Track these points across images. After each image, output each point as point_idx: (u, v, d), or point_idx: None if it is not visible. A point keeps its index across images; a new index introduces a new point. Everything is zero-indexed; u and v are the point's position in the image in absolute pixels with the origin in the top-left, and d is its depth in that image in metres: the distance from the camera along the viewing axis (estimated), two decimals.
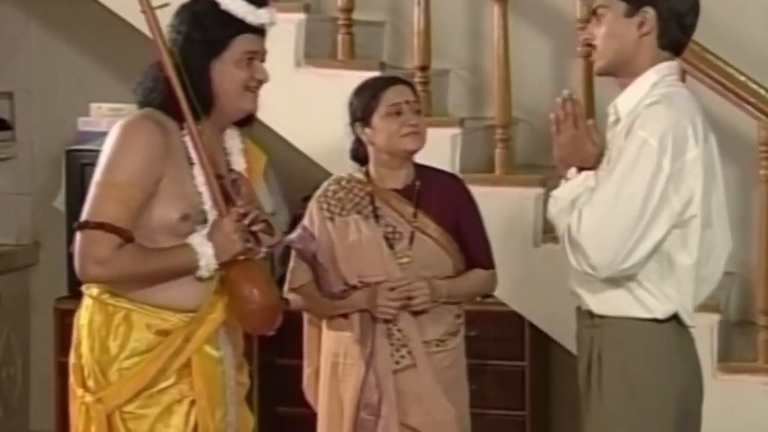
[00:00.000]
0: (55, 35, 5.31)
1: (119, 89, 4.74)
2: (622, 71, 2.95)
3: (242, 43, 2.87)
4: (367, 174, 3.56)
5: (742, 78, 3.98)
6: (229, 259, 2.82)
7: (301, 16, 4.38)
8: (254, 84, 2.89)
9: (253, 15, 2.87)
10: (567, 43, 4.44)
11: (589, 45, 3.02)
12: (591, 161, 2.96)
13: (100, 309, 2.89)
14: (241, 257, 2.83)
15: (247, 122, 3.00)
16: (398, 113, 3.48)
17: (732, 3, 4.47)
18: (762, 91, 3.97)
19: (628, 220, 2.81)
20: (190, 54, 2.84)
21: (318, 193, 3.59)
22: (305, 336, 3.66)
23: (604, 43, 2.96)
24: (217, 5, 2.85)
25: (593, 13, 2.98)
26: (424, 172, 3.56)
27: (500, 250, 3.65)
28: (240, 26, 2.86)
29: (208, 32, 2.85)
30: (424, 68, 4.28)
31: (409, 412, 3.45)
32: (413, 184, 3.54)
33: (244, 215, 2.82)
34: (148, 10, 2.84)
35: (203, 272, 2.81)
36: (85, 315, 2.93)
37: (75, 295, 4.82)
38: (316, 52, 4.39)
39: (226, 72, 2.86)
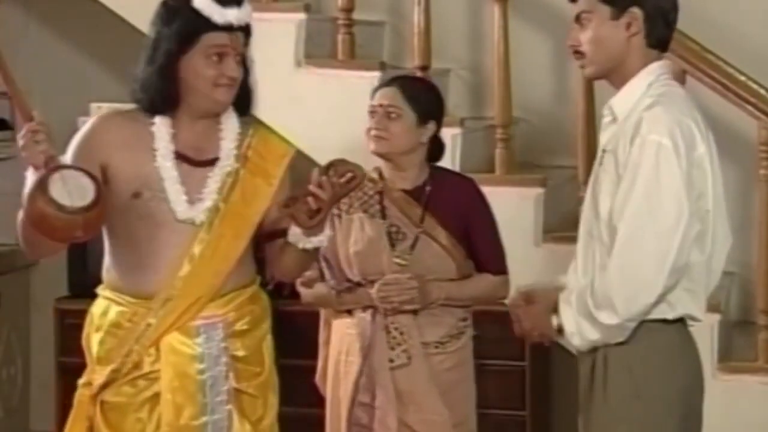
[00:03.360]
0: (55, 35, 5.32)
1: (119, 89, 4.71)
2: (615, 74, 2.94)
3: (210, 39, 2.89)
4: (380, 173, 3.58)
5: (742, 78, 3.98)
6: (34, 166, 2.86)
7: (302, 15, 4.38)
8: (224, 81, 2.91)
9: (218, 14, 2.88)
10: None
11: (577, 52, 2.96)
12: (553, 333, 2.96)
13: (96, 303, 3.01)
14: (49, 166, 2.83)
15: (245, 111, 3.02)
16: (371, 114, 3.53)
17: (732, 3, 4.47)
18: (762, 91, 3.98)
19: (667, 226, 2.79)
20: (158, 49, 2.91)
21: None
22: (321, 329, 3.68)
23: (592, 48, 2.92)
24: (188, 2, 2.89)
25: (576, 19, 2.94)
26: (437, 173, 3.58)
27: None
28: (208, 24, 2.88)
29: (176, 28, 2.90)
30: (424, 68, 4.28)
31: (405, 410, 3.46)
32: (423, 186, 3.55)
33: (35, 131, 2.89)
34: None
35: (30, 178, 2.86)
36: (92, 308, 3.03)
37: (75, 295, 4.86)
38: (316, 52, 4.39)
39: (194, 68, 2.90)
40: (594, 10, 2.91)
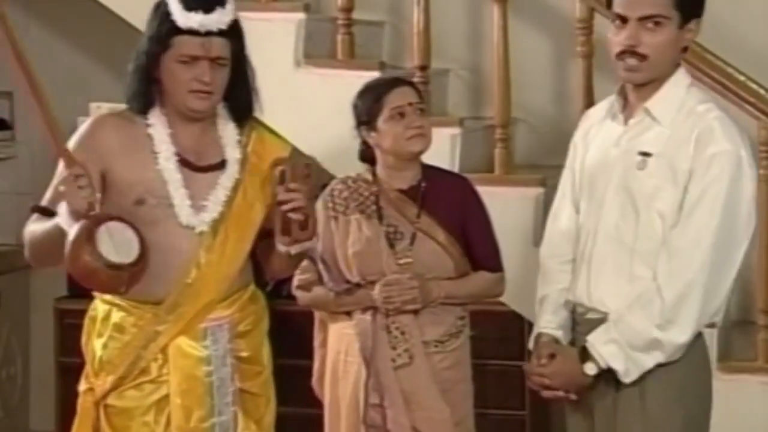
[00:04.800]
0: (55, 35, 5.31)
1: (119, 89, 4.70)
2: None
3: (181, 44, 2.87)
4: (374, 174, 3.57)
5: (742, 78, 3.98)
6: (75, 212, 2.77)
7: (301, 15, 4.38)
8: (196, 86, 2.88)
9: (183, 18, 2.86)
10: (567, 43, 4.43)
11: (636, 53, 2.85)
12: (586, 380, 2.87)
13: (95, 307, 2.98)
14: (91, 213, 2.78)
15: (243, 116, 3.00)
16: (402, 115, 3.48)
17: (732, 3, 4.47)
18: (762, 91, 3.97)
19: (741, 239, 2.81)
20: (140, 48, 2.91)
21: (325, 192, 3.60)
22: (315, 331, 3.67)
23: (659, 53, 2.86)
24: (166, 4, 2.89)
25: (643, 20, 2.84)
26: (431, 172, 3.57)
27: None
28: (177, 27, 2.86)
29: (153, 29, 2.90)
30: (423, 68, 4.28)
31: (409, 409, 3.46)
32: (419, 185, 3.54)
33: (78, 176, 2.79)
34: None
35: (64, 227, 2.79)
36: (90, 312, 3.01)
37: (75, 295, 4.86)
38: (315, 51, 4.39)
39: (169, 71, 2.89)
40: (671, 16, 2.86)
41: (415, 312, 3.48)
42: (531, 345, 3.06)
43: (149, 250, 2.80)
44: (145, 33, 2.92)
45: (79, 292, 3.02)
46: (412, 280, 3.46)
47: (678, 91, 2.89)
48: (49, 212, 2.87)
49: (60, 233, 2.78)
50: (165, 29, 2.86)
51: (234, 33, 2.91)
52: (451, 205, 3.53)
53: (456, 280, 3.53)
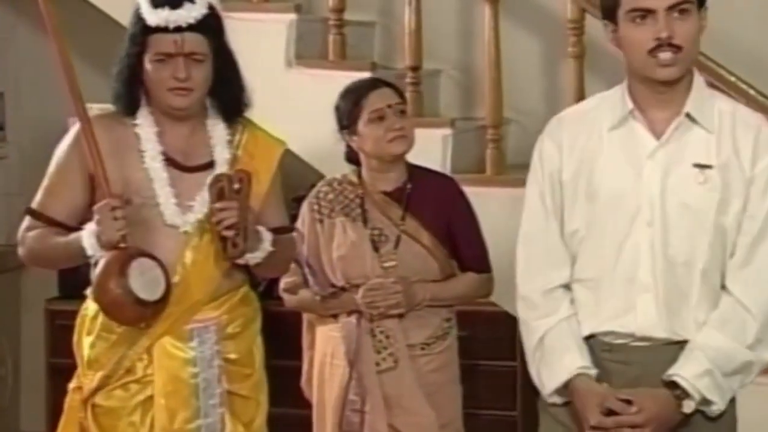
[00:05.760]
0: (45, 36, 5.28)
1: (109, 90, 4.73)
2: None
3: (154, 42, 2.89)
4: (359, 176, 3.56)
5: (732, 78, 3.98)
6: (107, 241, 2.82)
7: (292, 16, 4.38)
8: (173, 84, 2.89)
9: (150, 16, 2.88)
10: (558, 44, 4.43)
11: (673, 45, 2.61)
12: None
13: (87, 305, 3.00)
14: (122, 245, 2.82)
15: (232, 112, 2.99)
16: (381, 118, 3.47)
17: (722, 4, 4.47)
18: (752, 92, 3.98)
19: None
20: (121, 52, 2.93)
21: (311, 194, 3.60)
22: (304, 333, 3.67)
23: (693, 43, 2.64)
24: (139, 5, 2.92)
25: (672, 8, 2.61)
26: (417, 173, 3.56)
27: (491, 251, 3.64)
28: (149, 26, 2.88)
29: (129, 31, 2.93)
30: (415, 68, 4.28)
31: (392, 413, 3.45)
32: (404, 187, 3.53)
33: (115, 208, 2.82)
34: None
35: (88, 251, 2.84)
36: (81, 311, 3.02)
37: (65, 296, 4.85)
38: (307, 52, 4.39)
39: (148, 71, 2.91)
40: (693, 1, 2.64)
41: (400, 315, 3.48)
42: (550, 392, 2.71)
43: (172, 289, 2.85)
44: (125, 36, 2.94)
45: (70, 293, 3.02)
46: (395, 284, 3.44)
47: (707, 92, 2.72)
48: (44, 217, 2.92)
49: (79, 250, 2.84)
50: (138, 29, 2.89)
51: (209, 28, 2.90)
52: (436, 207, 3.52)
53: (441, 283, 3.52)
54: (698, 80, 2.72)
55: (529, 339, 2.76)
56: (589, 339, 2.71)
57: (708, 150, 2.65)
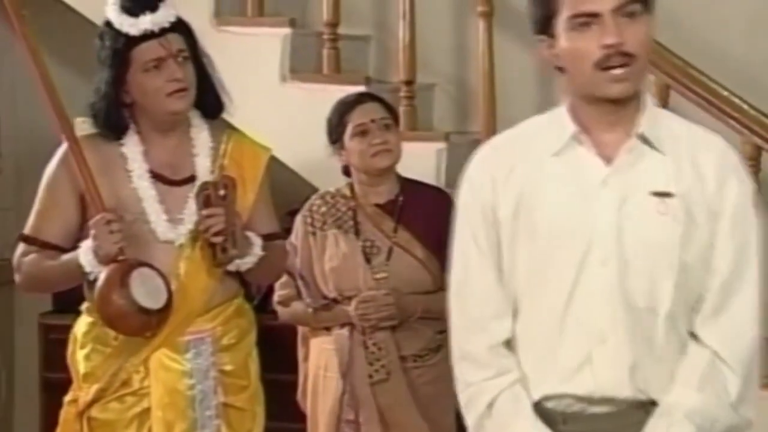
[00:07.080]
0: (40, 48, 5.29)
1: (90, 116, 4.73)
2: None
3: (141, 53, 2.89)
4: (352, 189, 3.57)
5: (725, 93, 3.99)
6: (105, 255, 2.83)
7: (287, 30, 4.39)
8: (172, 87, 2.90)
9: (132, 26, 2.88)
10: None
11: (624, 54, 2.23)
12: None
13: (79, 321, 3.01)
14: (120, 258, 2.83)
15: (215, 112, 3.01)
16: (364, 133, 3.49)
17: (714, 17, 4.49)
18: (745, 106, 3.99)
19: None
20: (99, 82, 2.92)
21: (304, 207, 3.61)
22: (298, 346, 3.68)
23: (646, 50, 2.27)
24: (110, 23, 2.91)
25: (619, 9, 2.24)
26: (408, 186, 3.57)
27: None
28: (131, 39, 2.88)
29: (107, 53, 2.91)
30: (409, 82, 4.29)
31: (385, 425, 3.46)
32: (396, 199, 3.55)
33: (111, 221, 2.83)
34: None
35: (86, 268, 2.85)
36: (74, 327, 3.02)
37: (59, 310, 4.85)
38: (301, 66, 4.39)
39: (138, 86, 2.90)
40: (647, 1, 2.26)
41: (393, 328, 3.48)
42: None
43: (174, 296, 2.85)
44: (101, 65, 2.93)
45: (64, 308, 3.03)
46: (387, 297, 3.45)
47: (658, 109, 2.37)
48: (38, 241, 2.93)
49: (77, 269, 2.85)
50: (120, 46, 2.88)
51: (183, 27, 2.93)
52: (429, 219, 3.52)
53: (434, 295, 3.51)
54: (648, 98, 2.35)
55: (475, 404, 2.34)
56: (539, 406, 2.31)
57: (666, 176, 2.28)
